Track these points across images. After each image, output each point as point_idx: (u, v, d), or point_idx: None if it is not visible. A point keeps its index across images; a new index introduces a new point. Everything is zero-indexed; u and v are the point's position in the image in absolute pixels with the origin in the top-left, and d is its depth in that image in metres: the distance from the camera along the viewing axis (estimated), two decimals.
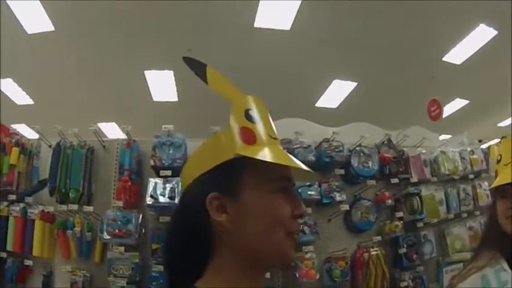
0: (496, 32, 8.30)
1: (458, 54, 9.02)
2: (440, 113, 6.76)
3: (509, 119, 14.77)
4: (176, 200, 3.10)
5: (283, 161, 0.88)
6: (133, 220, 3.20)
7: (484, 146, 5.30)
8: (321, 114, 9.19)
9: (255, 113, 0.94)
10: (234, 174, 0.88)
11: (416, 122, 5.00)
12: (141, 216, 3.28)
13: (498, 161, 1.76)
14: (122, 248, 3.18)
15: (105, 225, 3.17)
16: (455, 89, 7.12)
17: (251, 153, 0.86)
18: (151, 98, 9.41)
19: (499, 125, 15.03)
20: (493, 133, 10.28)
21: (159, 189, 3.18)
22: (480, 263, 1.64)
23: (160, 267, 3.12)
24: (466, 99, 11.02)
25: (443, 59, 9.05)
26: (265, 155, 0.87)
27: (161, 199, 3.16)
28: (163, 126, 3.38)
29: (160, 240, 3.17)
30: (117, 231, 3.15)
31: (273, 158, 0.87)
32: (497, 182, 1.67)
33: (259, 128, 0.92)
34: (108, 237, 3.16)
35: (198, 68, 1.00)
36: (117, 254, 3.18)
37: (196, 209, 0.88)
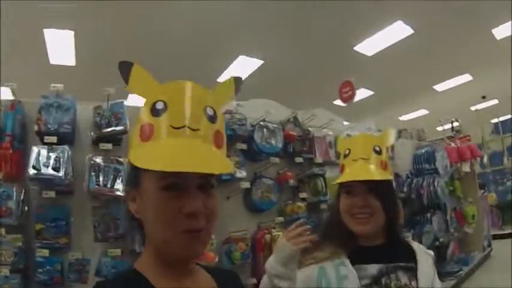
0: (411, 32, 8.72)
1: (370, 46, 9.30)
2: (352, 95, 6.84)
3: (410, 114, 15.77)
4: (61, 172, 2.79)
5: (151, 163, 0.86)
6: (15, 195, 2.81)
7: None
8: None
9: (164, 104, 0.93)
10: (134, 167, 0.91)
11: (321, 107, 4.98)
12: (23, 191, 2.90)
13: (345, 155, 1.77)
14: (3, 230, 2.79)
15: None
16: (362, 80, 7.31)
17: (133, 153, 0.92)
18: (48, 60, 8.75)
19: (399, 118, 15.98)
20: (394, 125, 10.83)
21: (43, 159, 2.82)
22: (321, 255, 1.65)
23: (45, 251, 2.82)
24: (371, 90, 11.41)
25: (355, 48, 9.28)
26: (143, 155, 0.89)
27: (44, 170, 2.80)
28: (52, 85, 3.05)
29: (45, 220, 2.87)
30: None
31: (145, 158, 0.88)
32: (344, 178, 1.69)
33: (163, 120, 0.92)
34: None
35: (124, 67, 0.99)
36: None
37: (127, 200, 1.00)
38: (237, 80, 1.09)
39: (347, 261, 1.62)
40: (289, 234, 1.51)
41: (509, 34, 9.22)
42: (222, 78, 10.26)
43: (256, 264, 3.49)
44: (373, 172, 1.66)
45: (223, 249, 3.36)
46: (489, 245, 9.29)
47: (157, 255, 0.95)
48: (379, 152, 1.73)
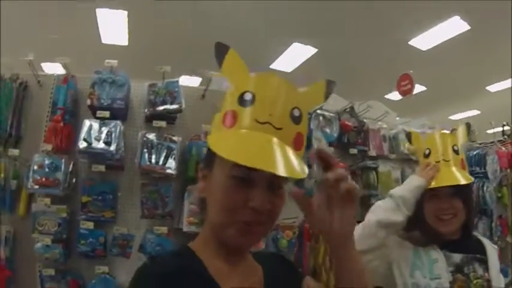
0: (468, 27, 8.39)
1: (425, 40, 9.04)
2: (411, 89, 6.69)
3: (461, 113, 15.38)
4: (112, 147, 2.81)
5: (227, 153, 0.87)
6: (63, 167, 2.86)
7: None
8: None
9: (252, 96, 0.94)
10: (210, 151, 0.93)
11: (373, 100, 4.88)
12: (72, 163, 2.95)
13: (426, 155, 1.91)
14: (48, 200, 2.83)
15: (31, 172, 2.81)
16: (415, 74, 7.13)
17: (213, 138, 0.96)
18: (100, 39, 8.83)
19: (450, 117, 15.62)
20: (444, 124, 10.53)
21: (94, 133, 2.85)
22: (416, 237, 1.86)
23: (90, 224, 2.86)
24: (423, 85, 11.15)
25: (409, 42, 9.06)
26: (223, 143, 0.91)
27: (95, 144, 2.82)
28: (106, 61, 3.07)
29: (92, 193, 2.91)
30: (43, 179, 2.81)
31: (223, 146, 0.89)
32: (443, 182, 1.78)
33: (248, 111, 0.93)
34: (33, 186, 2.81)
35: (220, 49, 1.04)
36: (42, 207, 2.84)
37: None
38: (329, 84, 1.07)
39: (437, 248, 1.80)
40: (421, 171, 1.81)
41: None
42: (275, 65, 10.23)
43: (301, 254, 3.44)
44: (459, 177, 1.78)
45: (271, 236, 3.31)
46: None
47: (213, 236, 0.98)
48: (457, 152, 1.87)
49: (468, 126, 2.17)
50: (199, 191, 1.01)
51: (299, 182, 0.93)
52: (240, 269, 1.00)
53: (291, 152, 0.92)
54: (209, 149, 0.96)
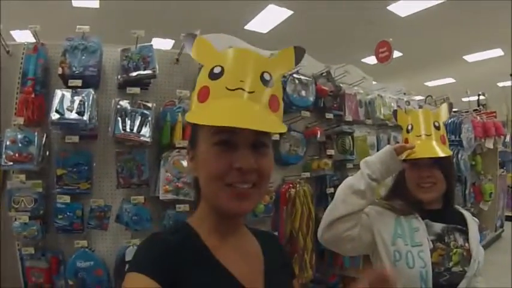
0: None
1: (405, 7, 9.08)
2: (389, 56, 6.77)
3: (437, 80, 15.62)
4: (85, 116, 2.74)
5: (204, 119, 0.92)
6: (36, 141, 2.80)
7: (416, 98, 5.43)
8: (249, 37, 8.99)
9: (222, 69, 0.98)
10: (193, 129, 1.03)
11: (349, 64, 4.91)
12: (44, 136, 2.88)
13: (409, 130, 2.02)
14: (23, 176, 2.78)
15: (4, 148, 2.75)
16: (393, 40, 7.19)
17: (190, 113, 1.00)
18: (71, 2, 8.56)
19: (425, 83, 15.85)
20: (419, 89, 10.71)
21: (67, 103, 2.77)
22: (397, 206, 1.96)
23: (66, 198, 2.82)
24: (400, 51, 11.25)
25: (388, 7, 9.08)
26: (198, 114, 0.97)
27: (68, 115, 2.75)
28: (78, 26, 2.97)
29: (66, 165, 2.86)
30: (17, 155, 2.74)
31: (200, 116, 0.95)
32: (414, 155, 1.88)
33: (219, 82, 0.97)
34: (7, 162, 2.75)
35: (190, 39, 1.08)
36: (17, 183, 2.79)
37: None
38: (298, 50, 1.09)
39: (419, 217, 1.90)
40: (399, 145, 1.89)
41: None
42: (250, 26, 10.17)
43: (278, 218, 3.49)
44: (437, 149, 1.89)
45: None
46: (501, 226, 9.32)
47: (209, 211, 1.02)
48: (438, 128, 1.97)
49: (450, 105, 2.25)
50: (191, 172, 1.06)
51: (276, 147, 0.97)
52: (238, 244, 1.07)
53: (265, 111, 0.96)
54: (191, 128, 1.04)
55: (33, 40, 3.02)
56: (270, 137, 0.98)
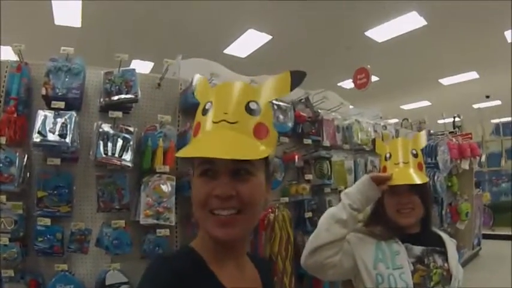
0: (424, 23, 8.69)
1: (381, 32, 9.28)
2: (367, 82, 6.89)
3: (413, 103, 15.87)
4: (68, 139, 2.73)
5: (190, 153, 0.99)
6: (17, 161, 2.76)
7: (392, 121, 5.53)
8: (228, 61, 9.03)
9: (211, 104, 1.05)
10: (192, 160, 1.05)
11: (326, 88, 5.01)
12: (26, 156, 2.85)
13: (387, 158, 2.12)
14: (4, 197, 2.74)
15: None
16: (369, 64, 7.33)
17: (185, 148, 1.02)
18: (53, 21, 8.54)
19: (401, 106, 16.08)
20: (396, 113, 10.88)
21: (49, 125, 2.76)
22: (376, 231, 2.03)
23: (47, 220, 2.80)
24: (376, 76, 11.44)
25: (366, 33, 9.26)
26: (186, 148, 1.02)
27: (50, 136, 2.74)
28: (62, 48, 2.97)
29: (47, 187, 2.84)
30: None
31: (186, 150, 1.00)
32: (393, 182, 1.96)
33: (207, 117, 1.04)
34: None
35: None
36: None
37: None
38: (296, 74, 1.13)
39: (399, 241, 1.98)
40: (376, 175, 1.95)
41: None
42: (229, 50, 10.23)
43: (257, 243, 3.51)
44: (414, 176, 1.98)
45: None
46: (478, 244, 9.45)
47: (208, 236, 1.05)
48: (415, 155, 2.08)
49: (428, 132, 2.36)
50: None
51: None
52: (240, 269, 1.12)
53: (243, 139, 1.00)
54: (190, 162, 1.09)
55: (14, 57, 3.00)
56: (253, 164, 1.01)
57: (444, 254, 2.01)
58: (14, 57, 3.02)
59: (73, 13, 8.19)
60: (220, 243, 1.04)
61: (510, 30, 9.06)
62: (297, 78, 1.13)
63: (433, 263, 1.96)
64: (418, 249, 1.98)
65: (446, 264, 1.98)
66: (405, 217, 1.99)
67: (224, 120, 1.01)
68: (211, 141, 1.00)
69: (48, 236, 2.82)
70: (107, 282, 2.87)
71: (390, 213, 2.02)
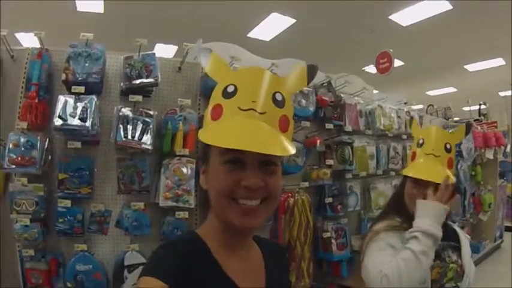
0: (450, 7, 8.52)
1: (406, 16, 9.13)
2: (390, 67, 6.83)
3: (438, 90, 15.67)
4: (88, 123, 2.79)
5: (213, 140, 0.99)
6: (39, 145, 2.84)
7: (416, 107, 5.48)
8: (252, 45, 8.95)
9: (235, 88, 1.03)
10: (205, 144, 1.04)
11: (350, 72, 4.96)
12: (47, 140, 2.92)
13: (419, 144, 2.07)
14: (25, 179, 2.83)
15: (7, 151, 2.79)
16: (394, 49, 7.24)
17: (202, 131, 1.05)
18: (75, 7, 8.56)
19: (427, 92, 15.90)
20: (420, 98, 10.76)
21: (69, 109, 2.81)
22: (395, 224, 1.98)
23: (67, 202, 2.86)
24: (401, 60, 11.32)
25: (390, 16, 9.12)
26: (210, 133, 1.03)
27: (70, 120, 2.80)
28: (82, 34, 3.00)
29: (68, 170, 2.91)
30: (19, 158, 2.78)
31: (210, 136, 1.01)
32: (417, 174, 1.95)
33: (232, 102, 1.02)
34: (10, 165, 2.78)
35: (204, 54, 1.13)
36: (19, 186, 2.83)
37: None
38: (311, 68, 1.15)
39: None
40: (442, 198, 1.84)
41: None
42: (253, 34, 10.20)
43: (276, 227, 3.53)
44: (440, 174, 1.89)
45: None
46: (501, 236, 9.35)
47: (219, 224, 1.08)
48: (449, 150, 2.00)
49: (469, 126, 2.26)
50: (202, 184, 1.11)
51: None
52: (245, 257, 1.13)
53: (274, 133, 1.01)
54: (203, 144, 1.05)
55: (37, 43, 3.06)
56: (279, 156, 1.02)
57: (458, 250, 1.99)
58: (37, 44, 3.07)
59: None
60: (239, 232, 1.07)
61: None
62: (312, 71, 1.14)
63: (449, 258, 1.93)
64: None
65: (460, 260, 1.95)
66: None
67: (253, 109, 1.01)
68: (244, 130, 0.98)
69: (69, 217, 2.89)
70: (126, 263, 2.93)
71: (408, 202, 1.98)
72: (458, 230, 2.11)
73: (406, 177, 2.03)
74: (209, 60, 1.12)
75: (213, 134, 1.01)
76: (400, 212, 2.01)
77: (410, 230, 1.82)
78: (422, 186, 1.92)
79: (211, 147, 1.03)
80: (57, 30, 4.93)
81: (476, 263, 7.47)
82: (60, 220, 2.87)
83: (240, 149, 0.94)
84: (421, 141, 2.05)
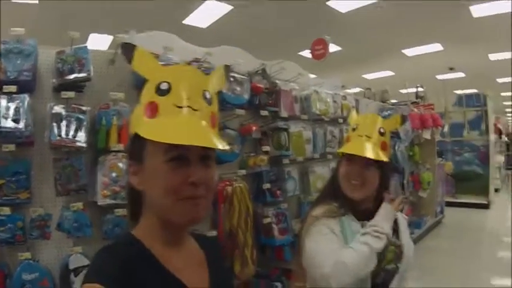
0: None
1: (345, 3, 9.25)
2: (325, 53, 6.94)
3: (375, 73, 16.06)
4: (21, 124, 2.70)
5: (162, 137, 0.99)
6: None
7: (351, 91, 5.62)
8: (188, 32, 8.87)
9: (169, 85, 1.06)
10: (139, 144, 1.05)
11: (288, 58, 5.04)
12: None
13: (354, 129, 2.12)
14: None
15: None
16: (332, 35, 7.35)
17: (142, 129, 1.03)
18: None
19: (363, 76, 16.26)
20: (358, 82, 11.01)
21: (3, 110, 2.71)
22: (333, 209, 1.99)
23: (7, 210, 2.76)
24: (339, 46, 11.52)
25: (328, 3, 9.21)
26: (150, 130, 1.02)
27: (4, 123, 2.69)
28: (12, 29, 2.88)
29: (5, 174, 2.79)
30: None
31: (156, 133, 1.00)
32: (345, 149, 2.04)
33: (167, 99, 1.05)
34: None
35: (127, 50, 1.14)
36: None
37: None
38: (226, 68, 1.26)
39: (355, 218, 1.97)
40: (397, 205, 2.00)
41: (486, 14, 9.43)
42: (189, 20, 10.07)
43: (216, 216, 3.57)
44: (370, 151, 1.96)
45: None
46: (441, 212, 9.78)
47: (158, 223, 1.09)
48: (383, 134, 2.06)
49: (403, 118, 2.37)
50: (136, 185, 1.10)
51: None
52: (184, 251, 1.16)
53: (210, 129, 1.07)
54: (135, 144, 1.08)
55: None
56: (214, 150, 1.08)
57: (396, 231, 2.00)
58: None
59: None
60: (181, 227, 1.13)
61: (475, 6, 9.17)
62: (228, 72, 1.22)
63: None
64: None
65: (398, 241, 1.98)
66: (354, 190, 1.98)
67: (189, 107, 1.05)
68: (189, 127, 1.03)
69: (9, 225, 2.78)
70: (70, 266, 2.86)
71: (342, 183, 2.01)
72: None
73: (340, 160, 2.09)
74: (135, 57, 1.13)
75: (157, 131, 1.01)
76: (337, 195, 2.04)
77: (372, 225, 1.89)
78: (353, 164, 1.98)
79: (147, 145, 1.05)
80: None
81: (419, 238, 7.84)
82: (1, 229, 2.76)
83: (184, 146, 0.99)
84: (355, 126, 2.11)
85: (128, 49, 1.14)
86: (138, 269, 1.03)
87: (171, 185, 1.02)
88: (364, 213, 1.98)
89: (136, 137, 1.05)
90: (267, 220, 3.97)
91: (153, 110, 1.05)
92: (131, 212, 1.17)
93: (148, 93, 1.08)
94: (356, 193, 1.98)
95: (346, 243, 1.87)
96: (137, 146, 1.08)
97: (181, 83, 1.08)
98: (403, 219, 2.13)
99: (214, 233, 3.53)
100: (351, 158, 1.99)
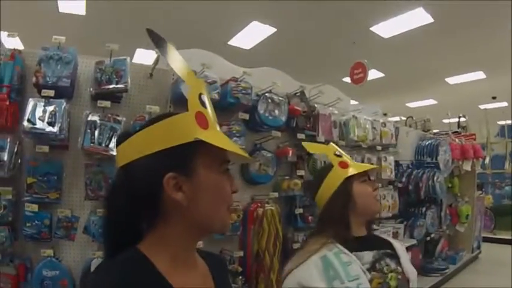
0: (431, 20, 8.61)
1: (387, 28, 9.19)
2: (364, 77, 6.88)
3: (418, 102, 15.83)
4: (56, 127, 2.77)
5: (231, 147, 1.00)
6: (8, 148, 2.80)
7: (392, 119, 5.52)
8: (232, 53, 8.93)
9: (205, 98, 1.06)
10: (190, 155, 0.99)
11: (329, 82, 4.99)
12: (17, 143, 2.89)
13: (338, 155, 2.05)
14: None
15: None
16: (374, 61, 7.30)
17: (208, 138, 0.98)
18: (57, 8, 8.44)
19: (407, 104, 16.05)
20: (400, 110, 10.85)
21: (38, 113, 2.80)
22: (315, 246, 1.84)
23: (35, 207, 2.84)
24: (382, 72, 11.40)
25: (371, 28, 9.18)
26: (219, 141, 0.99)
27: (39, 124, 2.78)
28: (54, 37, 2.98)
29: (37, 174, 2.89)
30: None
31: (224, 144, 0.99)
32: (362, 168, 2.00)
33: (208, 112, 1.04)
34: None
35: (158, 41, 1.11)
36: None
37: (150, 184, 0.99)
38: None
39: (345, 250, 1.81)
40: None
41: None
42: (233, 41, 10.20)
43: (245, 237, 3.53)
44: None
45: None
46: (478, 247, 9.44)
47: (177, 235, 1.03)
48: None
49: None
50: (180, 200, 0.98)
51: (246, 166, 1.18)
52: (192, 268, 1.10)
53: None
54: (182, 156, 0.98)
55: (17, 44, 3.03)
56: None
57: (395, 257, 1.92)
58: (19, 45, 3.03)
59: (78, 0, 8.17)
60: (223, 232, 1.22)
61: None
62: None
63: (387, 267, 1.85)
64: (369, 255, 1.84)
65: (399, 267, 1.88)
66: (377, 204, 2.04)
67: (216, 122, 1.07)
68: (230, 140, 1.07)
69: (36, 222, 2.87)
70: (92, 270, 2.88)
71: (368, 202, 1.93)
72: (388, 238, 2.11)
73: (346, 187, 1.94)
74: (168, 52, 1.09)
75: (221, 142, 1.00)
76: (337, 224, 1.87)
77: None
78: (370, 180, 2.01)
79: (196, 156, 0.99)
80: (38, 30, 4.88)
81: (454, 273, 7.58)
82: (28, 224, 2.86)
83: (228, 159, 1.05)
84: (337, 153, 2.06)
85: (157, 38, 1.11)
86: (142, 285, 0.98)
87: (228, 194, 1.05)
88: (358, 242, 1.86)
89: (186, 148, 0.97)
90: (296, 245, 3.87)
91: (204, 121, 1.02)
92: (113, 243, 1.06)
93: (195, 103, 1.03)
94: (379, 206, 2.07)
95: (341, 279, 1.71)
96: (186, 157, 0.99)
97: (208, 97, 1.09)
98: (399, 244, 2.04)
99: (241, 253, 3.49)
100: (364, 176, 1.99)
